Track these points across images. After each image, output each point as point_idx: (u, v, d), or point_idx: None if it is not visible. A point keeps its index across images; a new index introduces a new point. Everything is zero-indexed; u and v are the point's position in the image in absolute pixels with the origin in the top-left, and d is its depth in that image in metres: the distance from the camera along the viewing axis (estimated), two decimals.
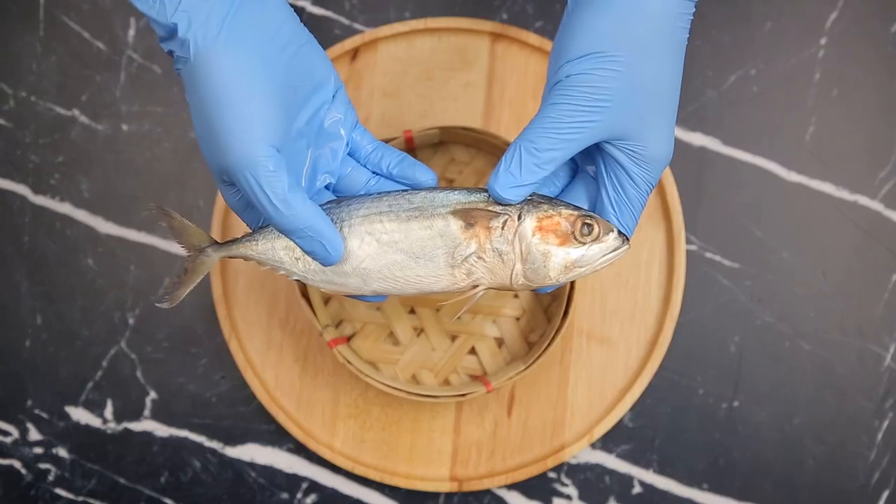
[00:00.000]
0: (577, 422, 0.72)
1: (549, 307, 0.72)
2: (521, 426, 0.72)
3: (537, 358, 0.67)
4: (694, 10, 0.55)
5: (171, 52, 0.52)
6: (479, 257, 0.53)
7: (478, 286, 0.54)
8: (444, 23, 0.74)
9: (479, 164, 0.72)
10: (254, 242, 0.55)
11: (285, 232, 0.53)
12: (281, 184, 0.51)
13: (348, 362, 0.68)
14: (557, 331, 0.67)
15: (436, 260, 0.53)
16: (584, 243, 0.52)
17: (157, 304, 0.58)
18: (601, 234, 0.53)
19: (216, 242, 0.55)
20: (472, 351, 0.72)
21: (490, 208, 0.53)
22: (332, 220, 0.54)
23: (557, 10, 0.75)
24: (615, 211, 0.54)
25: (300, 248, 0.54)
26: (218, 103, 0.51)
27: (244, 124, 0.51)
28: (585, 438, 0.72)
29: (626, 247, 0.53)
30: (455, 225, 0.53)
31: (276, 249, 0.55)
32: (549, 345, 0.67)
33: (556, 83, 0.52)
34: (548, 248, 0.52)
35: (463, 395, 0.68)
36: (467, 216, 0.53)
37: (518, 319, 0.72)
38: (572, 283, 0.67)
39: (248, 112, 0.51)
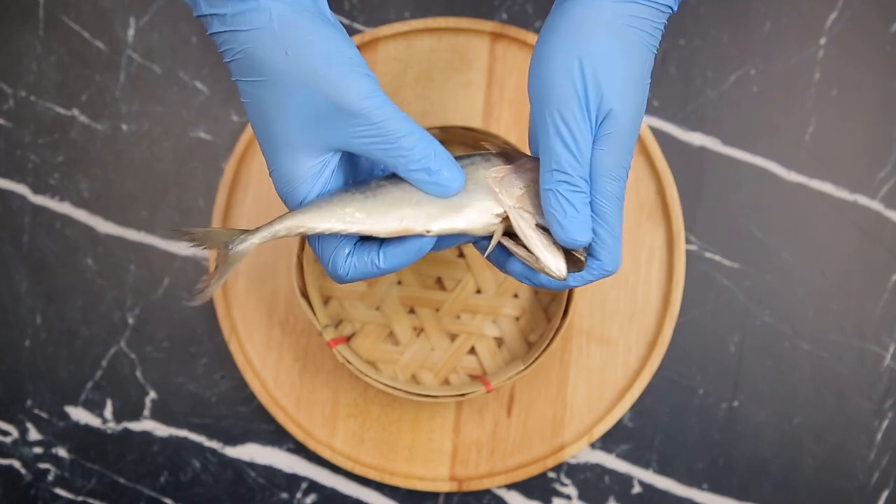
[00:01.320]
0: (577, 422, 0.72)
1: (549, 307, 0.72)
2: (521, 426, 0.72)
3: (537, 357, 0.67)
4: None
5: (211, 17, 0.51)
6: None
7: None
8: (443, 22, 0.74)
9: None
10: (303, 214, 0.54)
11: (414, 161, 0.52)
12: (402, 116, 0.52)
13: (348, 362, 0.68)
14: (557, 330, 0.67)
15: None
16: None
17: (186, 303, 0.57)
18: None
19: (247, 231, 0.54)
20: (472, 351, 0.72)
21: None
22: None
23: None
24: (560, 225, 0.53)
25: (424, 179, 0.53)
26: (326, 52, 0.50)
27: (360, 68, 0.51)
28: (585, 438, 0.72)
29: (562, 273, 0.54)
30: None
31: (333, 214, 0.54)
32: (548, 344, 0.67)
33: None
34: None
35: (462, 394, 0.68)
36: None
37: (518, 319, 0.72)
38: None
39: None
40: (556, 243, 0.54)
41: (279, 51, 0.51)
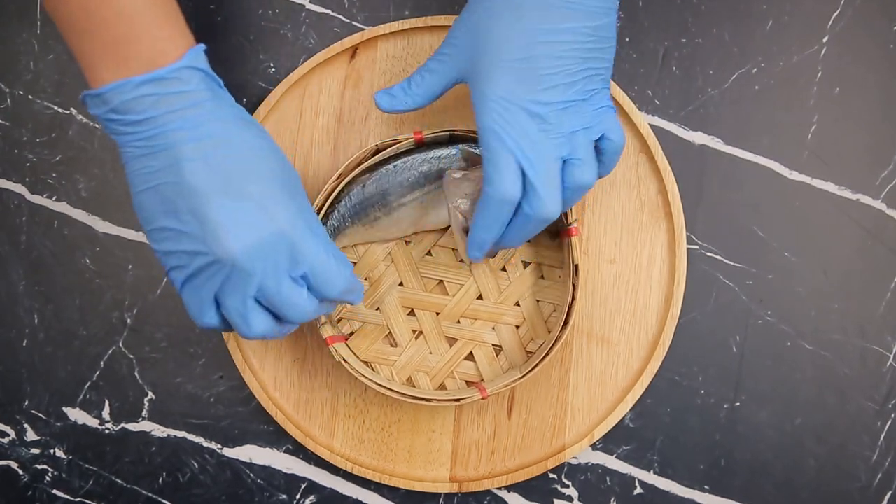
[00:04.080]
0: (578, 422, 0.72)
1: (550, 317, 0.71)
2: (521, 427, 0.72)
3: (533, 368, 0.67)
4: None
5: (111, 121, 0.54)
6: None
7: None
8: (443, 20, 0.74)
9: None
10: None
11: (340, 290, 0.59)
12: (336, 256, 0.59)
13: (344, 360, 0.67)
14: (556, 342, 0.67)
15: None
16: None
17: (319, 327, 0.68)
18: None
19: None
20: (470, 356, 0.72)
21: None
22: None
23: None
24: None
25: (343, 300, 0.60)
26: (251, 174, 0.55)
27: (291, 192, 0.58)
28: (586, 439, 0.71)
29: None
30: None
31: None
32: (545, 356, 0.67)
33: None
34: None
35: (457, 399, 0.67)
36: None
37: (518, 328, 0.72)
38: (574, 294, 0.67)
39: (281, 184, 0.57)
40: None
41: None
